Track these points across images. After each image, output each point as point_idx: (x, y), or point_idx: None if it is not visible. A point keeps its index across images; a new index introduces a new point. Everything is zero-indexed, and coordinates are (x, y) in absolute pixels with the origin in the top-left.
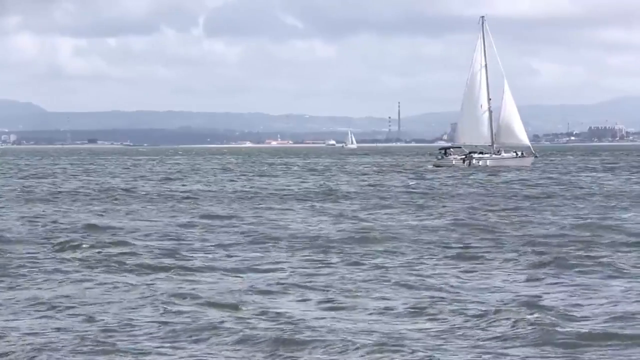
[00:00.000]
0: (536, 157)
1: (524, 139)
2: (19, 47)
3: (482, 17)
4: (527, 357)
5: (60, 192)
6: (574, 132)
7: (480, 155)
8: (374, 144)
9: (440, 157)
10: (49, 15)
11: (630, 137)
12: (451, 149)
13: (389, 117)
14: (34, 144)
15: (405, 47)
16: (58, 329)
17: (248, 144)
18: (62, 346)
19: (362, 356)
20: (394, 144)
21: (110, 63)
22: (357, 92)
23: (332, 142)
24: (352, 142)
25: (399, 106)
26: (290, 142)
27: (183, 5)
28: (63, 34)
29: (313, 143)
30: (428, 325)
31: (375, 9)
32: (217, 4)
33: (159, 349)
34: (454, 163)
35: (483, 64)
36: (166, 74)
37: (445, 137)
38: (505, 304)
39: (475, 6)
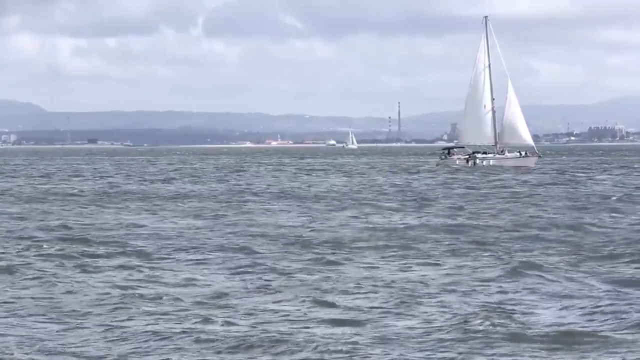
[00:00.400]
0: (540, 157)
1: (528, 139)
2: (19, 47)
3: (486, 17)
4: (497, 355)
5: (48, 192)
6: (574, 132)
7: (484, 155)
8: (374, 144)
9: (443, 157)
10: (50, 15)
11: (631, 137)
12: (454, 149)
13: (389, 117)
14: (34, 144)
15: (405, 47)
16: (24, 329)
17: (248, 144)
18: (19, 347)
19: (338, 353)
20: (394, 144)
21: (110, 63)
22: (357, 92)
23: (333, 142)
24: (352, 142)
25: (399, 106)
26: (290, 142)
27: (183, 5)
28: (63, 34)
29: (313, 143)
30: (401, 324)
31: (375, 9)
32: (217, 3)
33: (123, 350)
34: (457, 163)
35: (486, 64)
36: (166, 74)
37: (445, 137)
38: (474, 306)
39: (475, 6)
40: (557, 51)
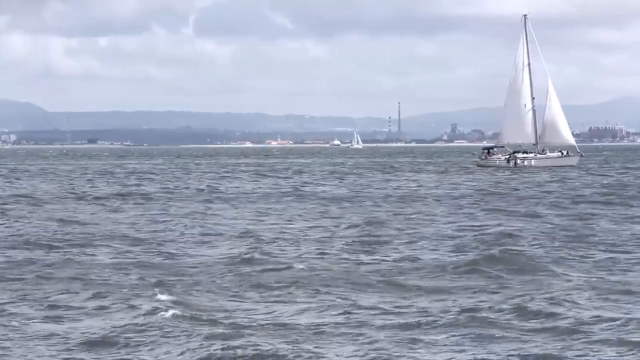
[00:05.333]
0: (582, 156)
1: (569, 138)
2: (19, 46)
3: (525, 15)
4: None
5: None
6: (574, 132)
7: (525, 155)
8: (374, 144)
9: (483, 157)
10: (53, 16)
11: (631, 137)
12: (495, 149)
13: (389, 117)
14: (34, 144)
15: (398, 46)
16: None
17: (248, 144)
18: None
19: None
20: (394, 144)
21: (110, 63)
22: (355, 92)
23: (337, 142)
24: (357, 142)
25: (399, 106)
26: (290, 142)
27: (175, 5)
28: (63, 34)
29: (313, 143)
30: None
31: (365, 9)
32: (207, 3)
33: None
34: (497, 163)
35: (526, 63)
36: (167, 74)
37: (445, 137)
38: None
39: (467, 5)
40: (553, 51)
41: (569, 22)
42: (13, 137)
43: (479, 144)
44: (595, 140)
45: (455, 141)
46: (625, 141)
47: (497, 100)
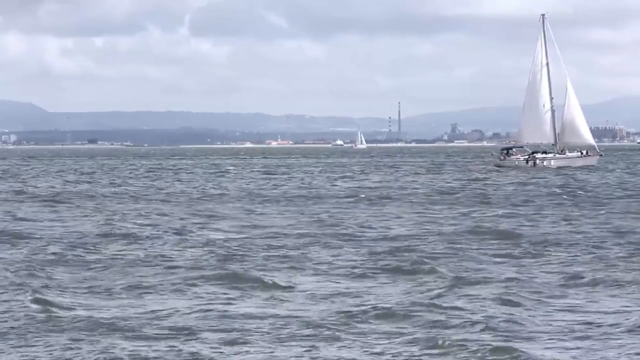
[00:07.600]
0: (601, 155)
1: (589, 138)
2: (19, 47)
3: (543, 15)
4: None
5: None
6: None
7: (544, 155)
8: (375, 144)
9: (502, 157)
10: (51, 16)
11: (631, 137)
12: (513, 149)
13: (389, 118)
14: (35, 145)
15: (395, 47)
16: None
17: (248, 145)
18: None
19: None
20: (395, 144)
21: (109, 63)
22: (354, 92)
23: (340, 142)
24: (361, 142)
25: (399, 106)
26: (290, 142)
27: (182, 5)
28: (62, 34)
29: (313, 143)
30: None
31: (361, 9)
32: (202, 3)
33: None
34: (516, 163)
35: (544, 62)
36: (165, 74)
37: (445, 137)
38: None
39: (464, 5)
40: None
41: (567, 22)
42: (13, 138)
43: (479, 144)
44: (595, 140)
45: (455, 141)
46: (625, 141)
47: (497, 100)
